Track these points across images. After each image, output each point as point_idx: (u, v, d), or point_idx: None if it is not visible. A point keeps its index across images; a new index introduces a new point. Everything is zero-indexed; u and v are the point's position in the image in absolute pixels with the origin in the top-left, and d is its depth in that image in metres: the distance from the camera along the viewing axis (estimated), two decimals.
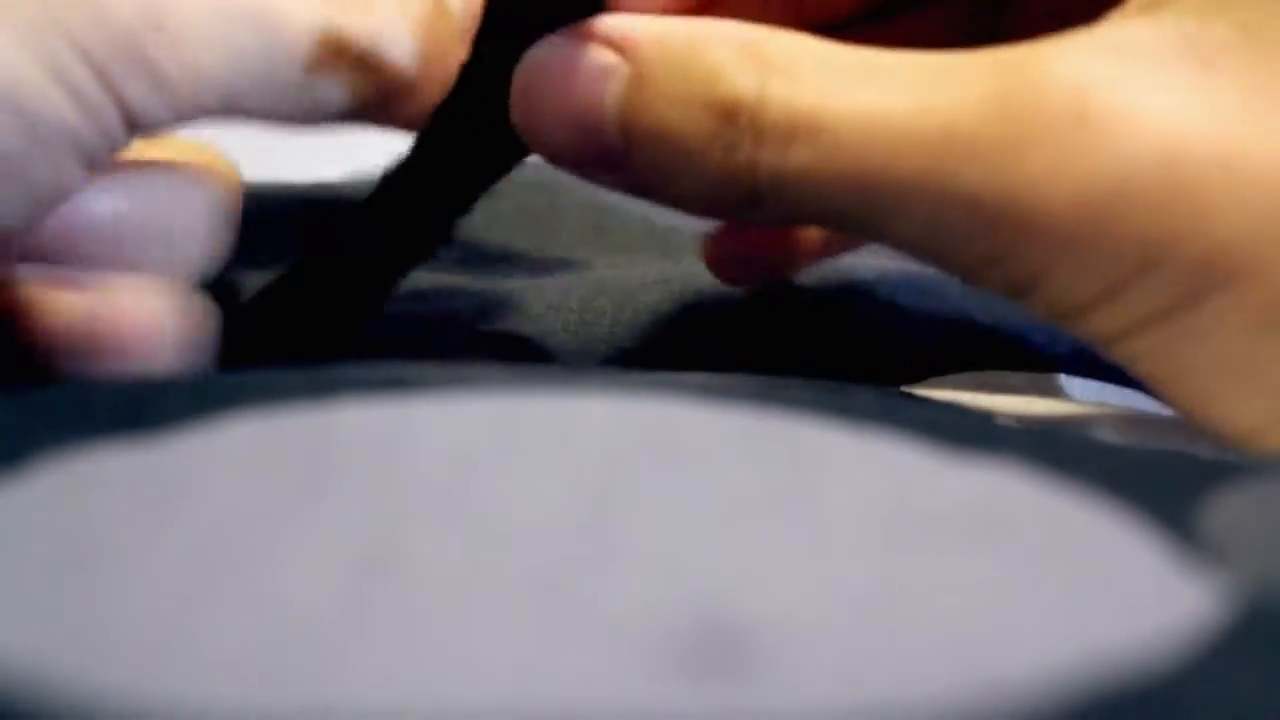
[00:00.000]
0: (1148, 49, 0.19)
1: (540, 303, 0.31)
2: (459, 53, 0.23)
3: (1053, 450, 0.17)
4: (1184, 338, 0.19)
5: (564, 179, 0.25)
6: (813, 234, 0.28)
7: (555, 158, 0.23)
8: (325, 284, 0.26)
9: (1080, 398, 0.31)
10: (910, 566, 0.14)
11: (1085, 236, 0.19)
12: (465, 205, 0.26)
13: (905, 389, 0.29)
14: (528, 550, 0.13)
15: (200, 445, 0.16)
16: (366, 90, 0.22)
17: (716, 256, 0.28)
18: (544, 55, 0.22)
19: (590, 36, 0.22)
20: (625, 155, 0.22)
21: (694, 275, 0.32)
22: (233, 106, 0.21)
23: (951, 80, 0.20)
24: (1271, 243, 0.18)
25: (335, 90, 0.21)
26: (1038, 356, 0.30)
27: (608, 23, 0.22)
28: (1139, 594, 0.13)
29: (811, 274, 0.31)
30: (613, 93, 0.22)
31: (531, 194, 0.26)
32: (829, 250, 0.28)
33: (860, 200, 0.20)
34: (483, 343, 0.30)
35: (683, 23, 0.22)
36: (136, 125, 0.20)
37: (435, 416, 0.17)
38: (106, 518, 0.14)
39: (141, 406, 0.17)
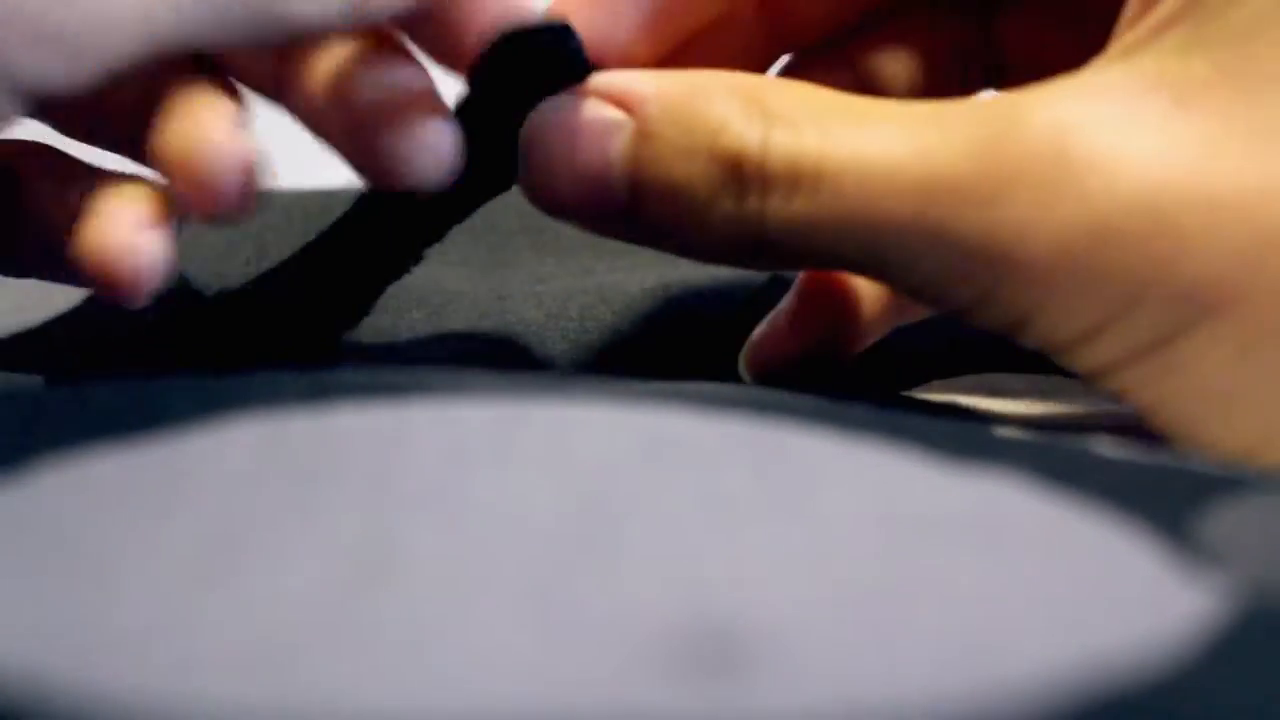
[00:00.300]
0: (1125, 90, 0.20)
1: (540, 310, 0.31)
2: None
3: (1050, 461, 0.17)
4: (1170, 369, 0.20)
5: None
6: (860, 322, 0.28)
7: (563, 213, 0.23)
8: (299, 290, 0.26)
9: None
10: (907, 570, 0.14)
11: (1068, 276, 0.19)
12: (439, 233, 0.26)
13: (906, 393, 0.29)
14: (524, 552, 0.13)
15: (198, 447, 0.16)
16: (338, 11, 0.20)
17: (760, 364, 0.28)
18: (549, 113, 0.23)
19: (594, 93, 0.22)
20: (633, 208, 0.22)
21: (694, 281, 0.32)
22: (175, 47, 0.20)
23: (941, 126, 0.20)
24: (1248, 274, 0.19)
25: (303, 13, 0.20)
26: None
27: (611, 79, 0.22)
28: (1136, 598, 0.13)
29: None
30: (618, 148, 0.22)
31: None
32: (871, 334, 0.28)
33: (860, 245, 0.21)
34: (482, 350, 0.30)
35: (685, 75, 0.22)
36: (40, 96, 0.19)
37: (433, 421, 0.17)
38: (105, 519, 0.14)
39: (141, 409, 0.17)
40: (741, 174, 0.21)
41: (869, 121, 0.21)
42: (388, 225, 0.25)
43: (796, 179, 0.21)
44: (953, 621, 0.13)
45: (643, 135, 0.22)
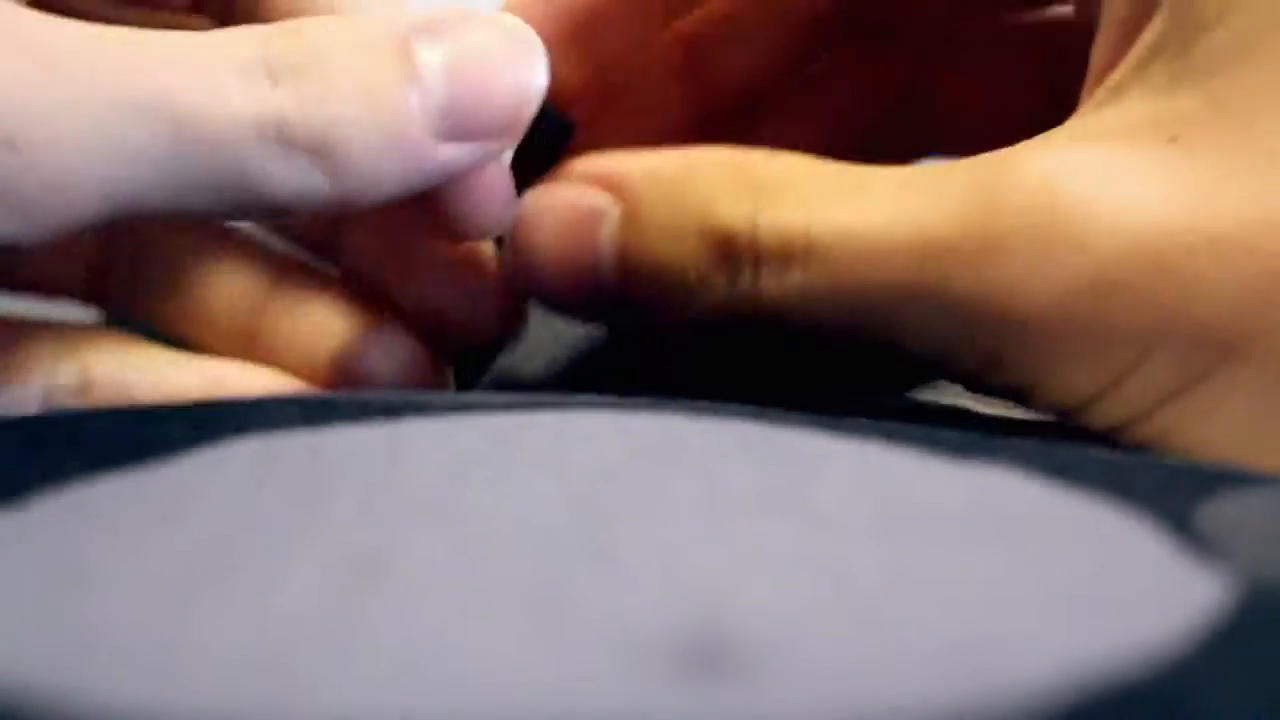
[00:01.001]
0: (1116, 134, 0.19)
1: (549, 330, 0.31)
2: (430, 148, 0.21)
3: (1051, 458, 0.17)
4: (1193, 418, 0.19)
5: None
6: None
7: (555, 303, 0.23)
8: None
9: None
10: (910, 566, 0.13)
11: (1075, 332, 0.19)
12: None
13: (911, 394, 0.29)
14: (523, 555, 0.13)
15: (196, 463, 0.16)
16: (319, 185, 0.20)
17: None
18: (535, 202, 0.23)
19: (580, 177, 0.22)
20: (623, 292, 0.22)
21: None
22: (140, 208, 0.19)
23: (927, 189, 0.20)
24: (1261, 313, 0.18)
25: (280, 185, 0.19)
26: None
27: (596, 161, 0.22)
28: (1147, 591, 0.13)
29: None
30: (606, 232, 0.22)
31: None
32: None
33: (861, 314, 0.20)
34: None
35: (674, 153, 0.22)
36: None
37: (429, 432, 0.17)
38: (100, 530, 0.14)
39: (138, 436, 0.17)
40: (734, 252, 0.21)
41: (857, 191, 0.20)
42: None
43: (788, 254, 0.20)
44: (957, 617, 0.13)
45: (630, 217, 0.22)
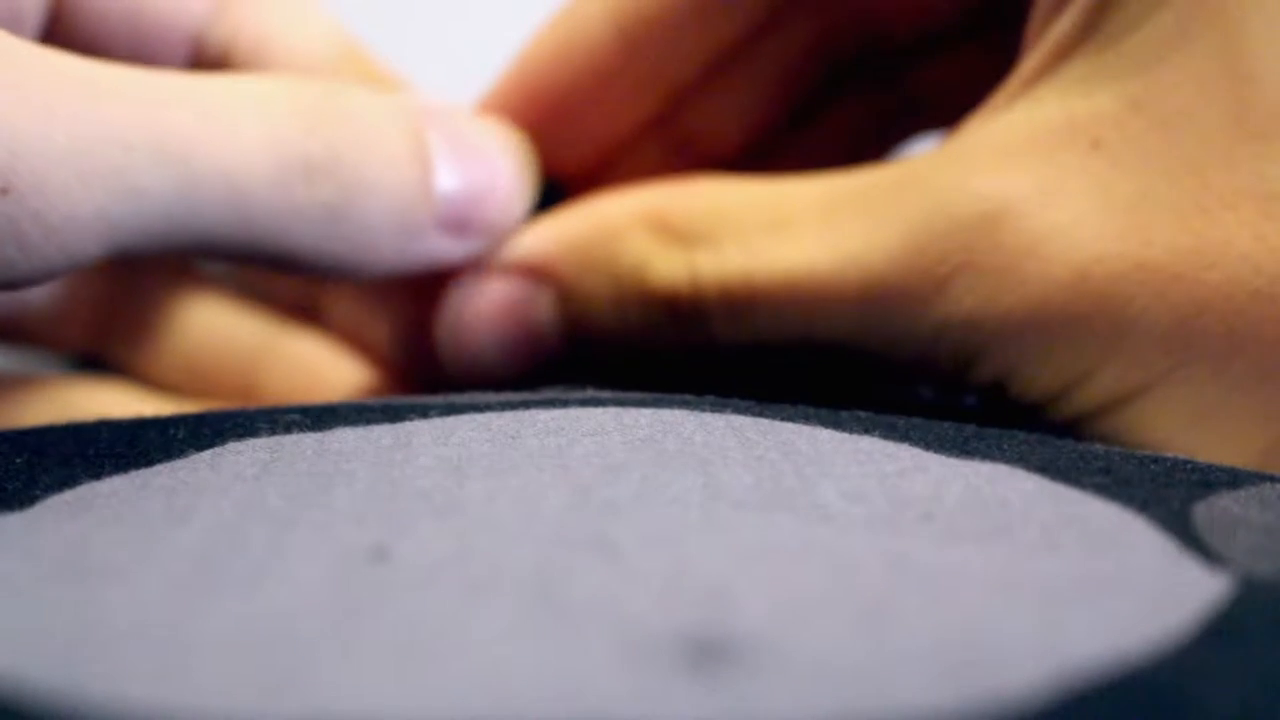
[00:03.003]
0: (1041, 145, 0.19)
1: None
2: (430, 234, 0.21)
3: (1050, 451, 0.17)
4: (1133, 425, 0.20)
5: None
6: None
7: (503, 378, 0.23)
8: None
9: None
10: (911, 560, 0.13)
11: (1028, 347, 0.20)
12: None
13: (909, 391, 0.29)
14: (525, 548, 0.13)
15: (201, 460, 0.16)
16: (326, 243, 0.19)
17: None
18: (463, 305, 0.23)
19: (500, 270, 0.22)
20: (577, 349, 0.22)
21: None
22: (143, 248, 0.18)
23: (859, 216, 0.20)
24: (1188, 342, 0.19)
25: (290, 234, 0.19)
26: None
27: (515, 251, 0.22)
28: (1143, 583, 0.13)
29: None
30: (544, 313, 0.22)
31: None
32: None
33: (817, 341, 0.21)
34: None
35: (585, 213, 0.22)
36: None
37: (433, 430, 0.17)
38: (106, 528, 0.14)
39: (146, 440, 0.17)
40: (679, 309, 0.21)
41: (789, 226, 0.21)
42: None
43: (731, 302, 0.21)
44: (957, 612, 0.13)
45: (565, 296, 0.22)
